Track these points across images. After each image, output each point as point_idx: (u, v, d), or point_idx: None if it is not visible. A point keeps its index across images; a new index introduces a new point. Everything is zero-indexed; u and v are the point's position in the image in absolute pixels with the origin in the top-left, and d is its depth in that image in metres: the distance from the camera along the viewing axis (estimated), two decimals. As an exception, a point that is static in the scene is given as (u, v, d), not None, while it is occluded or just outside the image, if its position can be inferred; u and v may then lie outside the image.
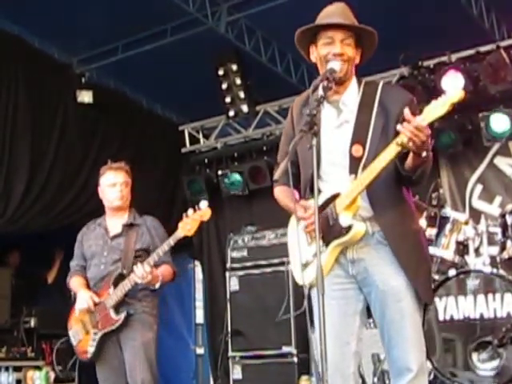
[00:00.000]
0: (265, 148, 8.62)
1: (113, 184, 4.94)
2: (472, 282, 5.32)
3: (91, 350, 4.82)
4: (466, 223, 5.76)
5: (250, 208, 8.87)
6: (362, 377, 5.73)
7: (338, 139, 3.23)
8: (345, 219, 3.14)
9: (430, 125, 2.95)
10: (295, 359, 7.18)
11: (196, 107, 8.52)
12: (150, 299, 4.87)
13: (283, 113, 8.58)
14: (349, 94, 3.29)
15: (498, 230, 5.61)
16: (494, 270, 5.31)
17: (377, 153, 3.09)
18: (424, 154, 2.98)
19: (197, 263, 9.67)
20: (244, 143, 8.97)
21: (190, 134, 9.28)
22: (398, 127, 2.95)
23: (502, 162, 7.27)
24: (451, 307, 5.35)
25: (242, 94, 8.29)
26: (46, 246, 8.45)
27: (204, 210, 4.71)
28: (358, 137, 3.19)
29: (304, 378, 6.97)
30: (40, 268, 8.91)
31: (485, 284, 5.28)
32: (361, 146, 3.16)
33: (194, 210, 4.69)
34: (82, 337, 4.89)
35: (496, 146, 7.23)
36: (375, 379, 5.82)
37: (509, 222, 5.52)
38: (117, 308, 4.72)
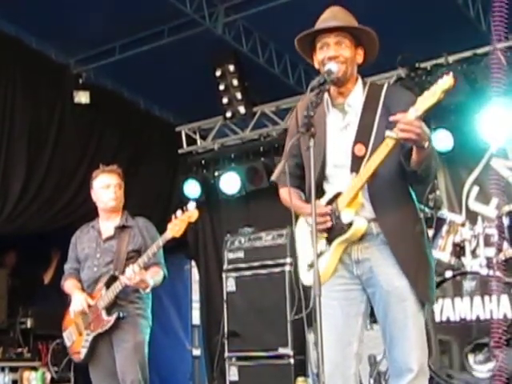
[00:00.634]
0: (262, 149, 8.62)
1: (107, 186, 4.97)
2: (468, 284, 5.33)
3: (84, 351, 4.85)
4: (463, 225, 5.77)
5: (247, 209, 8.86)
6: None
7: (342, 141, 3.27)
8: (346, 216, 3.17)
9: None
10: (292, 360, 7.16)
11: (193, 108, 8.52)
12: (142, 301, 4.89)
13: (280, 114, 8.59)
14: (354, 95, 3.32)
15: (495, 232, 5.62)
16: (491, 272, 5.32)
17: None
18: (426, 144, 2.99)
19: (193, 264, 9.67)
20: (241, 144, 8.96)
21: (187, 134, 9.27)
22: (387, 133, 3.01)
23: (498, 164, 7.27)
24: (447, 309, 5.36)
25: (239, 95, 8.29)
26: (43, 247, 8.44)
27: (191, 210, 4.72)
28: (361, 137, 3.22)
29: (300, 379, 6.96)
30: (37, 268, 8.90)
31: (481, 286, 5.29)
32: (363, 145, 3.19)
33: (183, 211, 4.70)
34: (76, 338, 4.94)
35: (493, 148, 7.23)
36: (371, 380, 5.83)
37: (505, 224, 5.53)
38: (109, 309, 4.74)
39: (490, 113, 6.92)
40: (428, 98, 2.96)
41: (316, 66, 3.36)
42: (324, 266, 3.20)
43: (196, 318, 9.64)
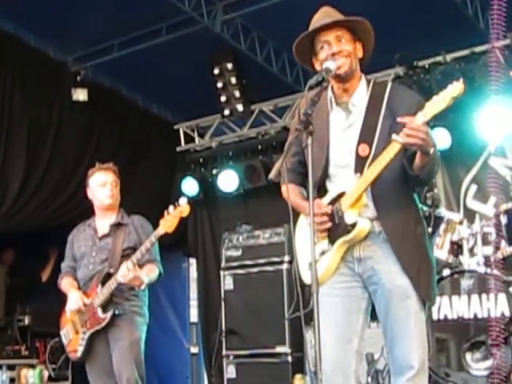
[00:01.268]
0: (260, 147, 8.61)
1: (103, 183, 4.97)
2: (466, 282, 5.33)
3: (80, 349, 4.85)
4: (461, 223, 5.77)
5: (245, 207, 8.87)
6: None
7: (346, 140, 3.27)
8: (350, 217, 3.17)
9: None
10: (289, 358, 7.17)
11: (191, 106, 8.52)
12: (138, 298, 4.89)
13: (278, 112, 8.59)
14: (358, 94, 3.31)
15: (493, 230, 5.62)
16: (488, 270, 5.32)
17: None
18: (431, 150, 2.99)
19: (191, 262, 9.67)
20: (239, 142, 8.96)
21: (185, 132, 9.28)
22: (393, 137, 2.99)
23: (496, 163, 7.27)
24: (445, 307, 5.36)
25: (237, 93, 8.29)
26: (41, 244, 8.44)
27: (183, 206, 4.70)
28: (365, 137, 3.21)
29: (298, 377, 6.97)
30: (35, 266, 8.89)
31: (479, 284, 5.30)
32: (367, 145, 3.19)
33: (175, 207, 4.70)
34: (72, 336, 4.94)
35: (491, 146, 7.24)
36: (369, 379, 5.84)
37: (503, 222, 5.53)
38: (104, 307, 4.74)
39: (488, 111, 6.93)
40: (437, 104, 2.95)
41: (317, 68, 3.31)
42: (326, 265, 3.21)
43: (194, 315, 9.64)
